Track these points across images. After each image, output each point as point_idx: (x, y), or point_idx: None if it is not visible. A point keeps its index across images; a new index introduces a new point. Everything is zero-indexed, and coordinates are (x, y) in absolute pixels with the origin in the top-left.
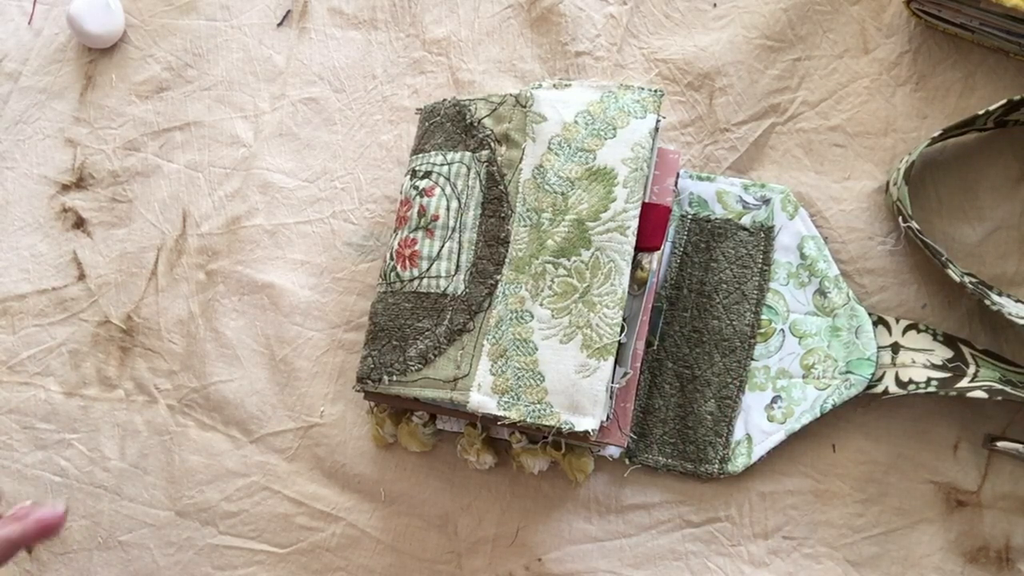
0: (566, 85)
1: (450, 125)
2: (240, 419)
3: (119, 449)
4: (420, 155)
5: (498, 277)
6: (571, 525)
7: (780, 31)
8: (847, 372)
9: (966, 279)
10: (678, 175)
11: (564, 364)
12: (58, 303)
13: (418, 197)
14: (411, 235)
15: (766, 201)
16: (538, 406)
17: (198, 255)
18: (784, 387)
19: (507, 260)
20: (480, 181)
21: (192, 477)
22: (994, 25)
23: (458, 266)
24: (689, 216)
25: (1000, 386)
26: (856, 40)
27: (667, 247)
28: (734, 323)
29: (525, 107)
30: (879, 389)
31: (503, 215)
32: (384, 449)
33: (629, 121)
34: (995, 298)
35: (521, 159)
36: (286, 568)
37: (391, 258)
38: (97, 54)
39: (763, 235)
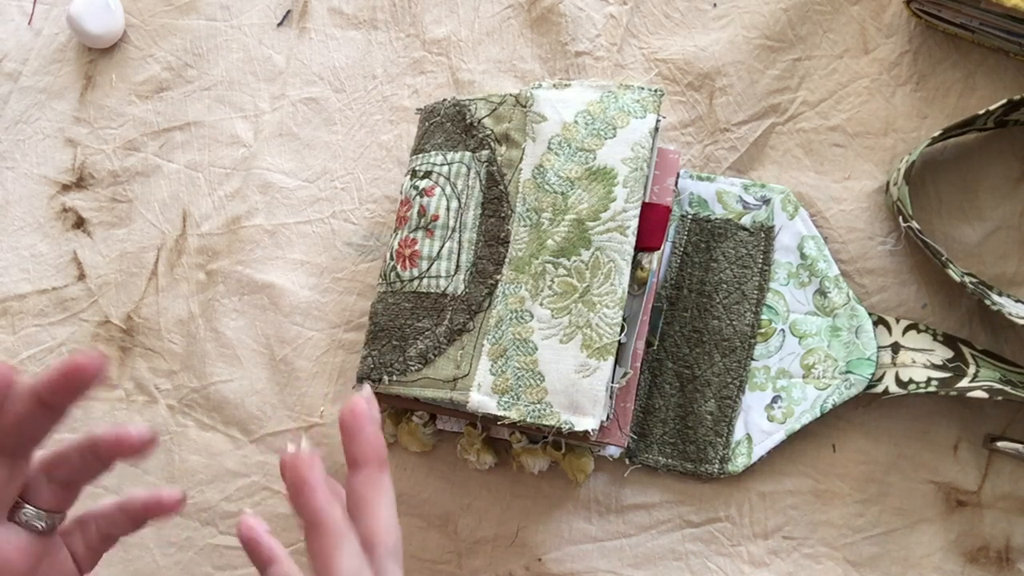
0: (566, 85)
1: (450, 125)
2: (240, 419)
3: None
4: (420, 155)
5: (498, 277)
6: (571, 525)
7: (780, 31)
8: (847, 372)
9: (966, 279)
10: (678, 175)
11: (564, 364)
12: (58, 303)
13: (418, 197)
14: (411, 235)
15: (766, 201)
16: (538, 406)
17: (198, 255)
18: (784, 387)
19: (507, 260)
20: (480, 181)
21: (192, 477)
22: (994, 25)
23: (458, 266)
24: (689, 216)
25: (1000, 386)
26: (856, 40)
27: (667, 247)
28: (734, 323)
29: (525, 107)
30: (879, 389)
31: (503, 215)
32: None
33: (629, 121)
34: (995, 298)
35: (521, 159)
36: None
37: (391, 258)
38: (97, 54)
39: (763, 235)
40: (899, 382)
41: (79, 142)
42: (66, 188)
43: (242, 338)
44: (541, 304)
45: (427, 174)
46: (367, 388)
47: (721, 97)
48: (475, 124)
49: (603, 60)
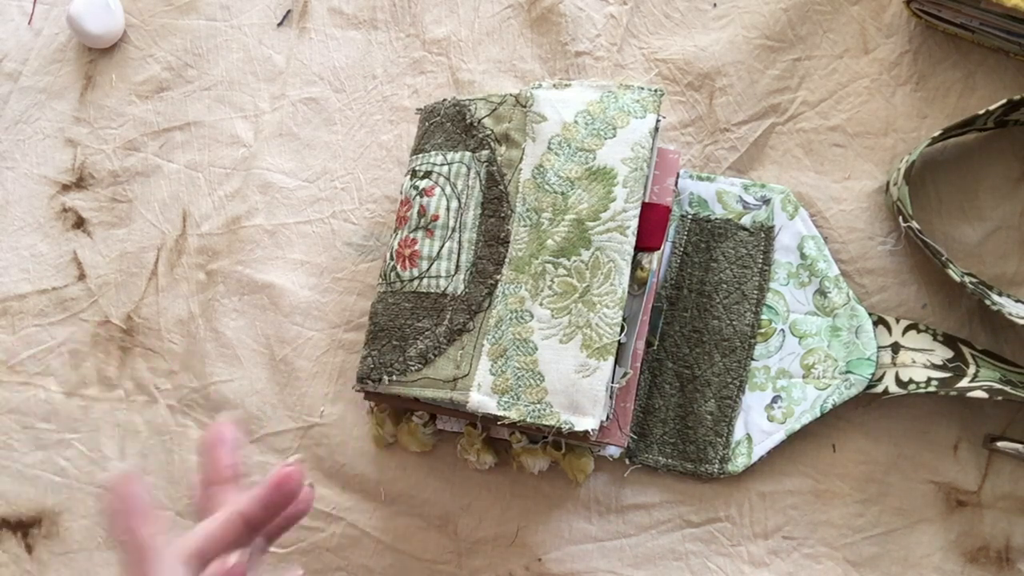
0: (566, 85)
1: (450, 125)
2: (240, 419)
3: (119, 449)
4: (420, 155)
5: (498, 277)
6: (571, 525)
7: (780, 31)
8: (847, 372)
9: (966, 279)
10: (678, 175)
11: (564, 364)
12: (58, 303)
13: (418, 197)
14: (411, 235)
15: (766, 201)
16: (538, 406)
17: (198, 255)
18: (784, 387)
19: (507, 260)
20: (480, 181)
21: (192, 477)
22: (994, 25)
23: (458, 266)
24: (689, 216)
25: (1000, 386)
26: (856, 40)
27: (667, 247)
28: (734, 323)
29: (525, 107)
30: (879, 389)
31: (503, 215)
32: (384, 449)
33: (629, 121)
34: (995, 298)
35: (521, 159)
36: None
37: (391, 258)
38: (97, 54)
39: (763, 235)
40: (899, 382)
41: (79, 142)
42: (66, 188)
43: (242, 338)
44: (541, 304)
45: (427, 174)
46: (232, 414)
47: (721, 97)
48: (475, 124)
49: (603, 60)
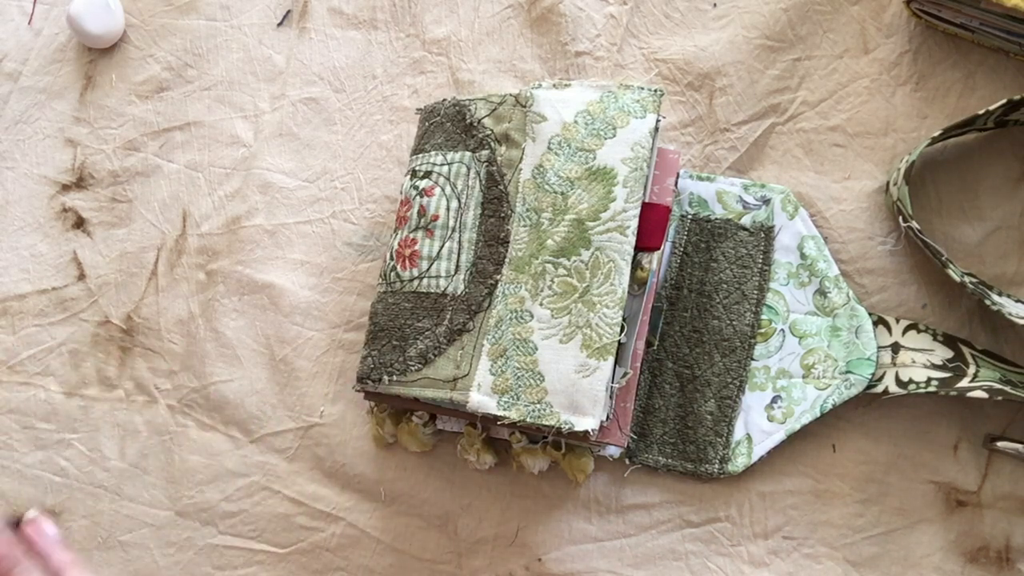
0: (566, 85)
1: (450, 125)
2: (240, 419)
3: (119, 449)
4: (420, 155)
5: (498, 277)
6: (571, 525)
7: (780, 31)
8: (847, 372)
9: (966, 279)
10: (678, 175)
11: (564, 364)
12: (58, 303)
13: (418, 197)
14: (411, 235)
15: (766, 201)
16: (538, 406)
17: (198, 255)
18: (784, 387)
19: (507, 260)
20: (480, 181)
21: (192, 477)
22: (994, 25)
23: (458, 266)
24: (689, 216)
25: (1000, 386)
26: (856, 40)
27: (667, 247)
28: (734, 323)
29: (525, 107)
30: (879, 389)
31: (503, 215)
32: (384, 449)
33: (629, 121)
34: (995, 298)
35: (521, 159)
36: (286, 568)
37: (391, 258)
38: (97, 54)
39: (763, 235)
40: (899, 382)
41: (79, 142)
42: (66, 188)
43: (242, 338)
44: (541, 304)
45: (427, 174)
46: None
47: (721, 97)
48: (475, 124)
49: (603, 60)
